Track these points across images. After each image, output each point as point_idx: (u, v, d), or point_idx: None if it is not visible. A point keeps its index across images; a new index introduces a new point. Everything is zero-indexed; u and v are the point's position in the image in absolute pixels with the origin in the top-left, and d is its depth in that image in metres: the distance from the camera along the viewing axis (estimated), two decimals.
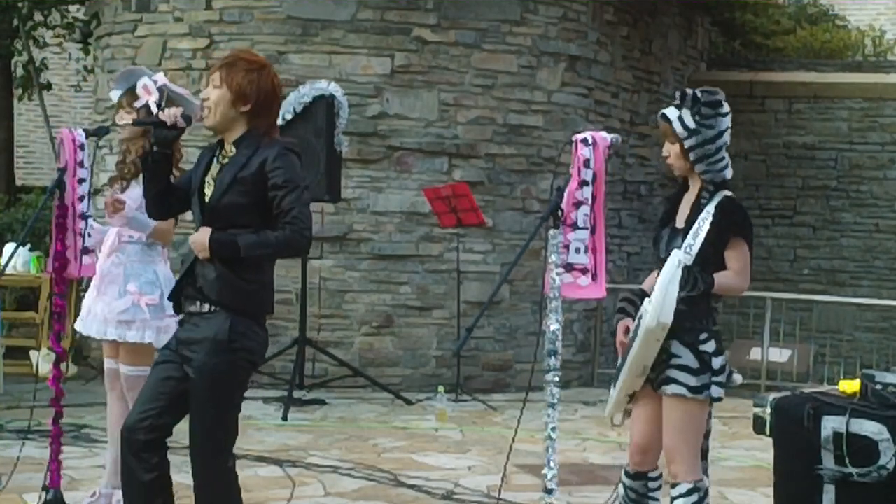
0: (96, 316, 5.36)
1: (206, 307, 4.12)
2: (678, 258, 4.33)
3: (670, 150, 4.52)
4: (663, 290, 4.28)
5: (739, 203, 4.57)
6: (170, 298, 4.30)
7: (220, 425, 4.11)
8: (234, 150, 4.16)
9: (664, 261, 4.45)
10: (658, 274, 4.47)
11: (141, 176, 4.63)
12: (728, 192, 4.52)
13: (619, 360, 4.57)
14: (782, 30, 15.73)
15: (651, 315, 4.30)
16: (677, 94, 4.52)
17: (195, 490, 4.14)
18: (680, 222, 4.54)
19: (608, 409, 4.68)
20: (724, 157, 4.51)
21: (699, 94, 4.46)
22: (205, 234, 4.07)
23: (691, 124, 4.44)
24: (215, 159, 4.21)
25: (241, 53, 4.30)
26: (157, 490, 4.17)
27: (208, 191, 4.16)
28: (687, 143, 4.45)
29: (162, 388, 4.15)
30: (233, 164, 4.13)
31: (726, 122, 4.52)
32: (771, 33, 15.42)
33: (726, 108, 4.52)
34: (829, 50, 15.60)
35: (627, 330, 4.54)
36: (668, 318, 4.29)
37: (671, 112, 4.49)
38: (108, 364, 5.52)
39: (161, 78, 5.19)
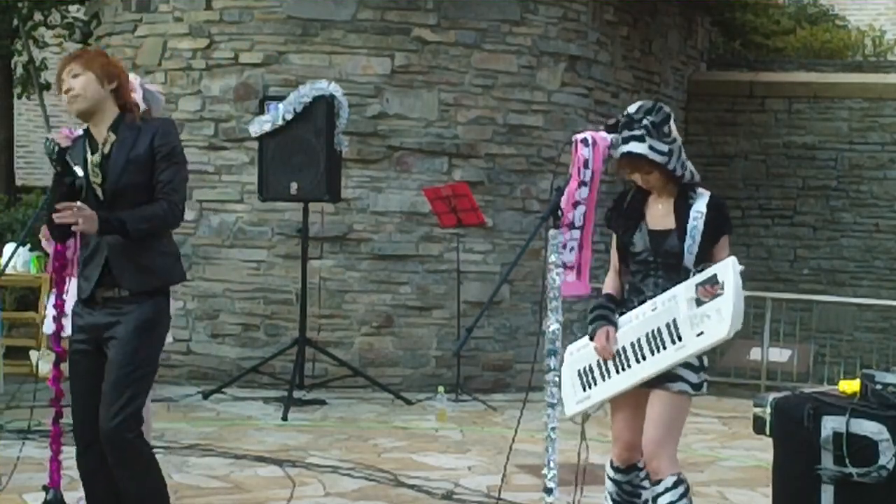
0: None
1: (125, 293, 4.23)
2: (734, 263, 4.32)
3: (648, 180, 4.54)
4: (738, 298, 4.28)
5: (723, 199, 4.66)
6: (86, 298, 4.30)
7: (133, 385, 4.19)
8: (113, 135, 4.24)
9: (651, 263, 4.49)
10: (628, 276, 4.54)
11: None
12: (708, 191, 4.59)
13: (614, 365, 4.53)
14: (782, 30, 15.73)
15: (729, 325, 4.27)
16: (623, 124, 4.48)
17: (109, 454, 4.20)
18: (660, 224, 4.55)
19: (583, 408, 4.66)
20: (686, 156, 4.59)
21: (654, 119, 4.47)
22: (90, 210, 4.10)
23: (664, 149, 4.47)
24: (89, 151, 4.26)
25: (80, 50, 4.47)
26: (111, 479, 4.34)
27: (96, 179, 4.22)
28: (670, 166, 4.49)
29: (93, 385, 4.27)
30: (121, 146, 4.22)
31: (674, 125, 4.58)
32: (771, 33, 15.42)
33: (671, 114, 4.57)
34: (829, 50, 15.60)
35: (608, 336, 4.52)
36: (740, 325, 4.33)
37: (638, 147, 4.45)
38: None
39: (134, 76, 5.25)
